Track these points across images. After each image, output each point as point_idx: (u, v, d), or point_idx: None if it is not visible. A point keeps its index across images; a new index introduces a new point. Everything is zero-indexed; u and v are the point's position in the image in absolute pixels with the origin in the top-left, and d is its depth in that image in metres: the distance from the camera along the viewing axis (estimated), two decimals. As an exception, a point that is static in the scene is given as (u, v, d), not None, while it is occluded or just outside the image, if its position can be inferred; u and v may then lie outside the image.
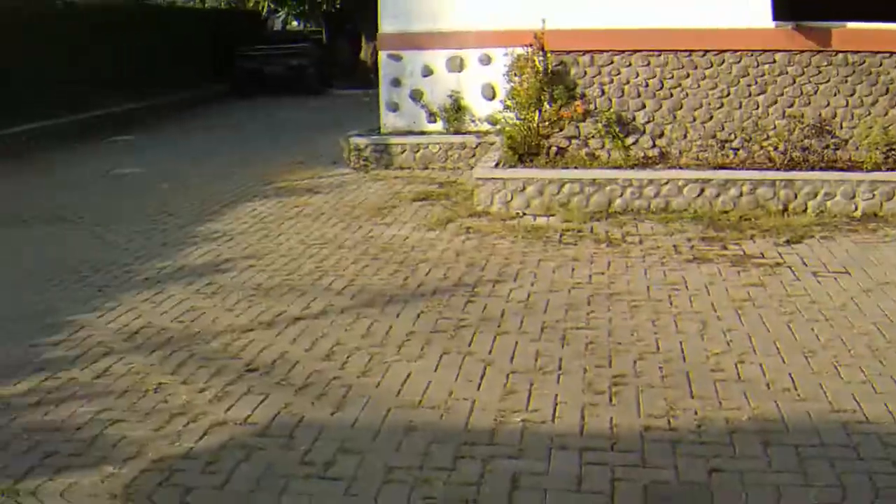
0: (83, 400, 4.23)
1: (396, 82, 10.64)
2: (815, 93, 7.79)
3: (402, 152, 10.37)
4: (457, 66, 10.44)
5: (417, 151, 10.33)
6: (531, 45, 8.45)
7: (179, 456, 3.65)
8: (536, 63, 8.39)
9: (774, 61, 7.78)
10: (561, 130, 8.32)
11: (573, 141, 8.32)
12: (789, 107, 7.83)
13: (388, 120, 10.77)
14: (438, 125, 10.61)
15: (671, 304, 5.45)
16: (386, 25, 10.54)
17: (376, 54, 22.11)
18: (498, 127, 10.25)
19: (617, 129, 8.15)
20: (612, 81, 8.17)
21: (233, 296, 5.81)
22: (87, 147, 13.73)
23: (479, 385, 4.27)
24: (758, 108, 7.89)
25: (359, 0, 21.55)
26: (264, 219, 8.10)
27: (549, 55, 8.31)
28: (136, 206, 8.87)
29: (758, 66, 7.81)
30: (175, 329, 5.22)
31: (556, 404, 4.02)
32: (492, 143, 10.08)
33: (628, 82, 8.13)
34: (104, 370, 4.61)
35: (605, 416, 3.90)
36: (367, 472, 3.45)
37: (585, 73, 8.20)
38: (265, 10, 23.72)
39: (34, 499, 3.34)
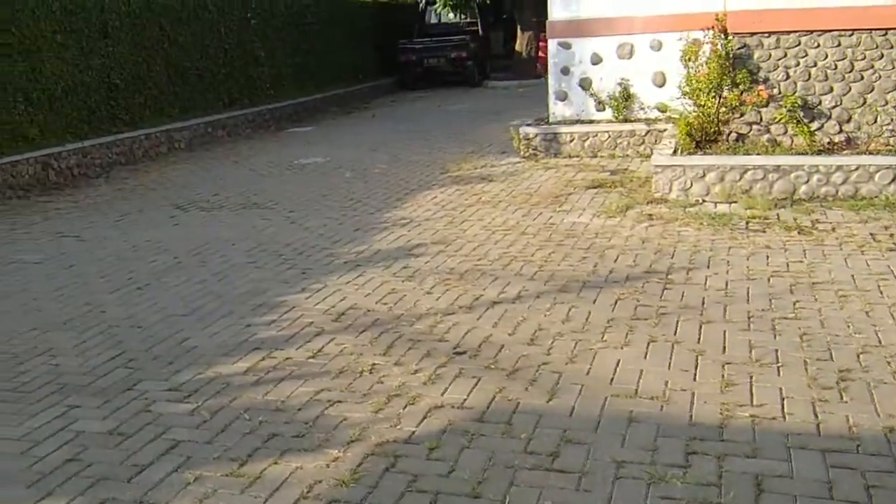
0: (301, 380, 4.20)
1: (565, 71, 10.29)
2: None
3: (571, 141, 10.03)
4: (626, 52, 9.98)
5: (586, 140, 9.96)
6: (711, 28, 7.92)
7: (402, 440, 3.52)
8: (717, 47, 7.86)
9: None
10: (741, 116, 7.77)
11: (754, 127, 7.75)
12: None
13: (557, 109, 10.44)
14: (607, 113, 10.19)
15: (882, 294, 4.92)
16: (555, 13, 10.19)
17: (531, 45, 22.01)
18: (668, 114, 9.80)
19: (801, 115, 7.53)
20: (797, 64, 7.53)
21: (429, 279, 5.69)
22: (267, 137, 14.15)
23: (695, 376, 3.94)
24: (963, 89, 7.11)
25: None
26: (446, 206, 7.98)
27: (730, 38, 7.75)
28: (324, 194, 8.96)
29: (967, 44, 7.04)
30: (380, 311, 5.14)
31: (783, 399, 3.65)
32: (662, 131, 9.60)
33: (815, 65, 7.48)
34: (318, 350, 4.57)
35: (839, 413, 3.50)
36: (595, 465, 3.20)
37: (770, 55, 7.60)
38: (423, 2, 23.72)
39: (260, 483, 3.26)
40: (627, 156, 9.77)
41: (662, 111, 9.92)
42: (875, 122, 7.41)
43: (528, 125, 10.49)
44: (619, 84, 10.04)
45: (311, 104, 17.39)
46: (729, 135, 7.88)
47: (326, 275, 5.98)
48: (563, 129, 10.10)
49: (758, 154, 7.46)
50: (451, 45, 21.86)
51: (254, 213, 8.21)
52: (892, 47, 7.22)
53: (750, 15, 7.56)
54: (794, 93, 7.54)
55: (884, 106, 7.39)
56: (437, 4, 21.05)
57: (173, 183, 10.16)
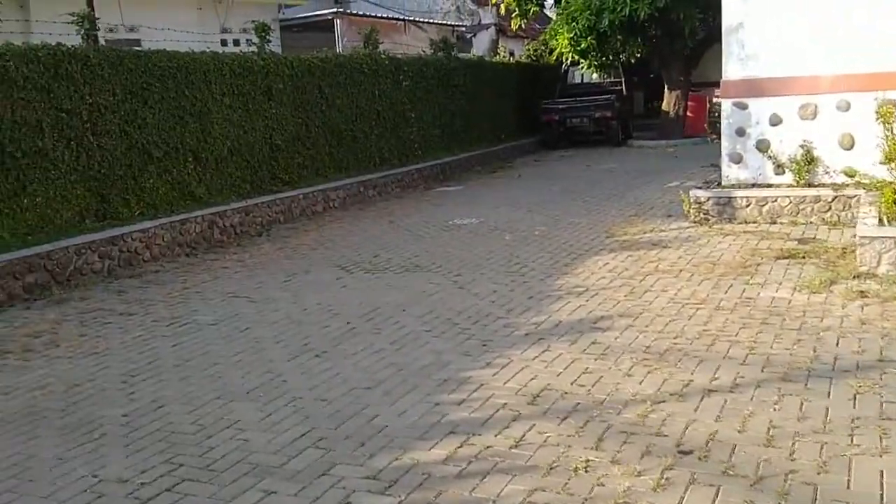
0: (508, 475, 3.78)
1: (740, 132, 9.68)
2: None
3: (747, 206, 9.36)
4: (809, 113, 9.30)
5: (764, 205, 9.28)
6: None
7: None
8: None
9: None
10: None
11: (975, 196, 6.94)
12: None
13: (731, 172, 9.81)
14: (786, 177, 9.49)
15: None
16: (730, 72, 9.64)
17: (678, 104, 21.36)
18: (856, 179, 9.03)
19: None
20: None
21: (625, 359, 5.21)
22: (417, 196, 14.08)
23: None
24: None
25: (662, 52, 20.75)
26: (621, 273, 7.49)
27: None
28: (486, 256, 8.66)
29: None
30: (578, 394, 4.69)
31: None
32: (851, 197, 8.85)
33: None
34: (519, 439, 4.16)
35: None
36: None
37: None
38: (567, 63, 23.52)
39: None
40: (811, 223, 9.02)
41: (850, 176, 9.15)
42: None
43: (699, 188, 9.90)
44: (801, 146, 9.34)
45: (457, 164, 17.33)
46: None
47: (509, 348, 5.59)
48: (739, 192, 9.46)
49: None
50: (594, 105, 21.51)
51: (419, 277, 7.97)
52: None
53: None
54: None
55: None
56: (582, 66, 20.72)
57: (333, 243, 10.11)
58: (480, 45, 28.69)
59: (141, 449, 4.35)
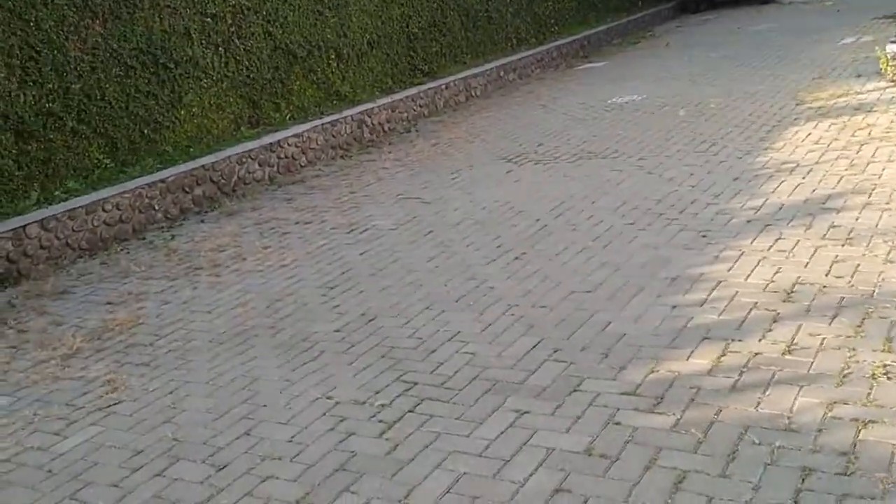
0: (793, 386, 3.35)
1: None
2: None
3: (959, 55, 8.26)
4: None
5: (981, 52, 8.16)
6: None
7: None
8: None
9: None
10: None
11: None
12: None
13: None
14: None
15: None
16: None
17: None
18: None
19: None
20: None
21: (877, 243, 4.61)
22: (560, 76, 13.32)
23: None
24: None
25: None
26: (831, 145, 6.73)
27: None
28: (665, 136, 8.01)
29: None
30: (838, 287, 4.16)
31: None
32: None
33: None
34: (790, 342, 3.70)
35: None
36: None
37: None
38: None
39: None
40: None
41: None
42: None
43: (894, 42, 8.79)
44: None
45: (595, 37, 16.28)
46: None
47: (734, 238, 5.07)
48: (954, 43, 8.34)
49: None
50: (738, -39, 19.73)
51: (597, 164, 7.43)
52: None
53: None
54: None
55: None
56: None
57: (488, 133, 9.64)
58: None
59: (366, 367, 4.14)
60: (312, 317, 4.92)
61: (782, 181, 5.99)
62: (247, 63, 9.31)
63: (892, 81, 8.59)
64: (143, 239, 7.10)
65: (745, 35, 14.62)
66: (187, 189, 7.92)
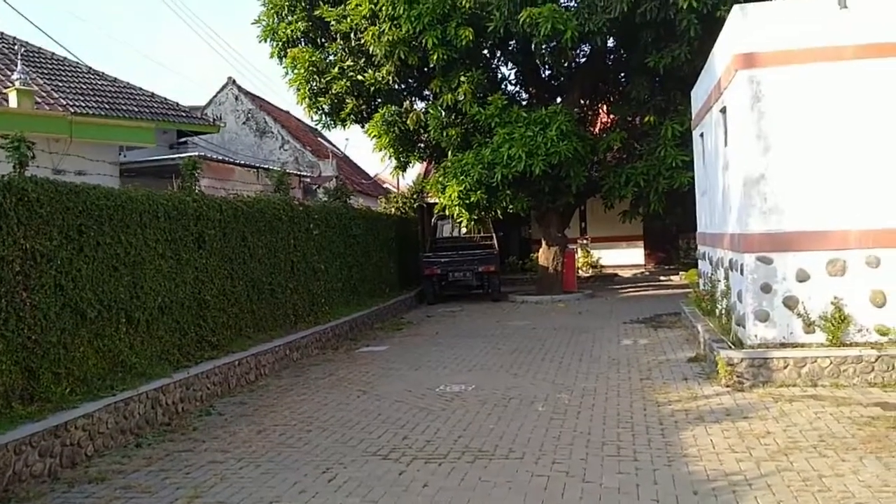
0: None
1: (766, 288, 9.17)
2: None
3: (785, 367, 8.71)
4: (838, 269, 9.00)
5: (803, 367, 8.67)
6: None
7: None
8: None
9: None
10: None
11: None
12: None
13: (757, 330, 9.20)
14: (817, 336, 9.02)
15: None
16: (752, 225, 9.22)
17: (557, 259, 21.30)
18: (889, 338, 8.73)
19: None
20: None
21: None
22: (348, 358, 12.40)
23: None
24: None
25: (545, 207, 20.76)
26: (752, 454, 6.35)
27: None
28: (545, 434, 7.26)
29: None
30: None
31: None
32: (895, 356, 8.48)
33: None
34: None
35: None
36: None
37: None
38: (435, 216, 23.00)
39: None
40: (854, 385, 8.51)
41: (884, 334, 8.85)
42: None
43: (730, 349, 9.19)
44: (832, 304, 8.97)
45: (361, 320, 15.77)
46: None
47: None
48: (775, 353, 8.83)
49: None
50: (478, 259, 21.03)
51: (505, 468, 6.36)
52: None
53: None
54: None
55: None
56: (461, 219, 20.09)
57: (323, 422, 8.20)
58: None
59: None
60: None
61: (754, 498, 5.41)
62: (30, 321, 7.21)
63: (727, 386, 8.82)
64: None
65: (512, 330, 14.95)
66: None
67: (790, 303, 9.14)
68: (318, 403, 9.14)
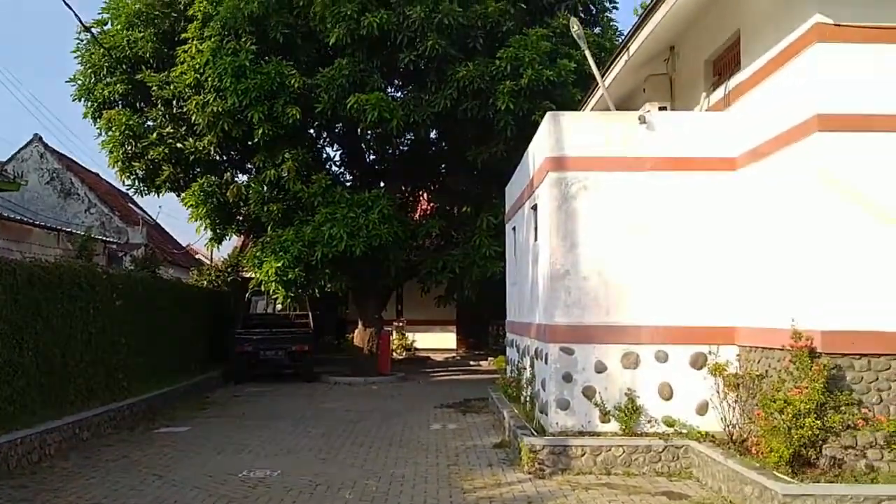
0: None
1: (567, 377, 9.62)
2: None
3: (582, 455, 9.10)
4: (632, 362, 9.62)
5: (598, 455, 9.10)
6: (788, 348, 7.81)
7: None
8: (796, 366, 7.72)
9: None
10: (836, 438, 7.46)
11: (850, 451, 7.45)
12: None
13: (558, 418, 9.60)
14: (612, 426, 9.54)
15: None
16: (558, 317, 9.71)
17: (373, 341, 21.33)
18: (675, 430, 9.37)
19: (898, 440, 7.35)
20: (890, 388, 7.54)
21: None
22: (146, 439, 11.67)
23: None
24: None
25: (363, 289, 20.84)
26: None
27: (814, 358, 7.64)
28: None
29: None
30: None
31: None
32: (679, 447, 9.09)
33: (906, 389, 7.55)
34: None
35: None
36: None
37: (862, 378, 7.57)
38: (249, 291, 22.44)
39: None
40: (644, 474, 9.03)
41: (670, 425, 9.49)
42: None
43: (532, 436, 9.50)
44: (626, 395, 9.55)
45: (162, 398, 14.93)
46: (817, 459, 7.50)
47: None
48: (574, 441, 9.22)
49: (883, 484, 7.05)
50: (291, 338, 20.64)
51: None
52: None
53: (842, 336, 7.55)
54: (889, 416, 7.45)
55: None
56: (278, 296, 19.75)
57: (111, 509, 7.65)
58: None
59: None
60: None
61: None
62: None
63: (530, 472, 9.08)
64: None
65: (323, 412, 14.70)
66: None
67: (589, 392, 9.64)
68: (108, 489, 8.50)
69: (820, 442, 7.47)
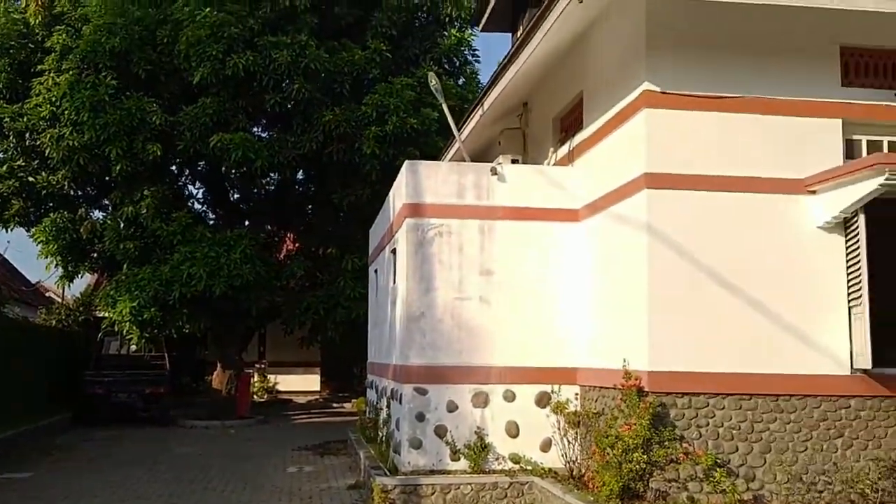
0: None
1: (420, 417, 9.94)
2: (886, 436, 8.39)
3: (432, 494, 9.39)
4: (481, 401, 10.05)
5: (448, 493, 9.41)
6: (619, 387, 8.44)
7: None
8: (622, 405, 8.35)
9: (850, 406, 8.39)
10: (661, 471, 8.11)
11: (673, 484, 8.11)
12: (863, 449, 8.33)
13: (411, 457, 9.88)
14: (461, 463, 9.90)
15: None
16: (413, 358, 10.04)
17: (232, 383, 20.99)
18: (521, 466, 9.84)
19: (715, 473, 8.03)
20: (707, 424, 8.27)
21: None
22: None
23: None
24: (836, 450, 8.31)
25: (223, 330, 20.55)
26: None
27: (642, 397, 8.28)
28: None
29: (835, 410, 8.36)
30: None
31: None
32: (523, 484, 9.56)
33: (722, 425, 8.26)
34: None
35: None
36: None
37: (683, 415, 8.25)
38: (101, 332, 21.67)
39: None
40: (494, 511, 9.44)
41: (516, 462, 9.95)
42: (775, 479, 8.21)
43: (384, 475, 9.74)
44: (476, 433, 9.96)
45: (3, 443, 14.21)
46: (645, 491, 8.12)
47: None
48: (425, 480, 9.52)
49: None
50: (146, 380, 20.08)
51: None
52: (782, 411, 8.32)
53: (666, 376, 8.22)
54: (707, 451, 8.15)
55: (780, 465, 8.22)
56: (132, 337, 19.20)
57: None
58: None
59: None
60: None
61: None
62: None
63: (384, 514, 9.32)
64: None
65: (177, 456, 14.41)
66: None
67: (440, 431, 9.99)
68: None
69: (647, 475, 8.10)
